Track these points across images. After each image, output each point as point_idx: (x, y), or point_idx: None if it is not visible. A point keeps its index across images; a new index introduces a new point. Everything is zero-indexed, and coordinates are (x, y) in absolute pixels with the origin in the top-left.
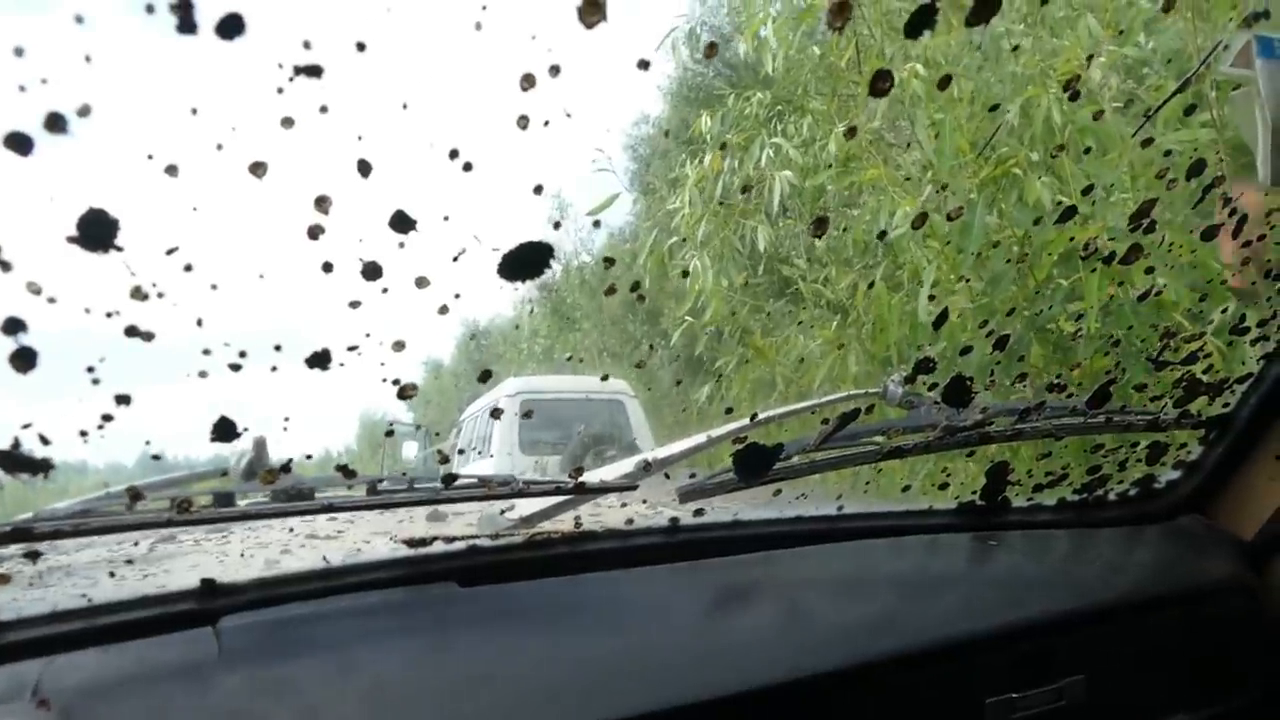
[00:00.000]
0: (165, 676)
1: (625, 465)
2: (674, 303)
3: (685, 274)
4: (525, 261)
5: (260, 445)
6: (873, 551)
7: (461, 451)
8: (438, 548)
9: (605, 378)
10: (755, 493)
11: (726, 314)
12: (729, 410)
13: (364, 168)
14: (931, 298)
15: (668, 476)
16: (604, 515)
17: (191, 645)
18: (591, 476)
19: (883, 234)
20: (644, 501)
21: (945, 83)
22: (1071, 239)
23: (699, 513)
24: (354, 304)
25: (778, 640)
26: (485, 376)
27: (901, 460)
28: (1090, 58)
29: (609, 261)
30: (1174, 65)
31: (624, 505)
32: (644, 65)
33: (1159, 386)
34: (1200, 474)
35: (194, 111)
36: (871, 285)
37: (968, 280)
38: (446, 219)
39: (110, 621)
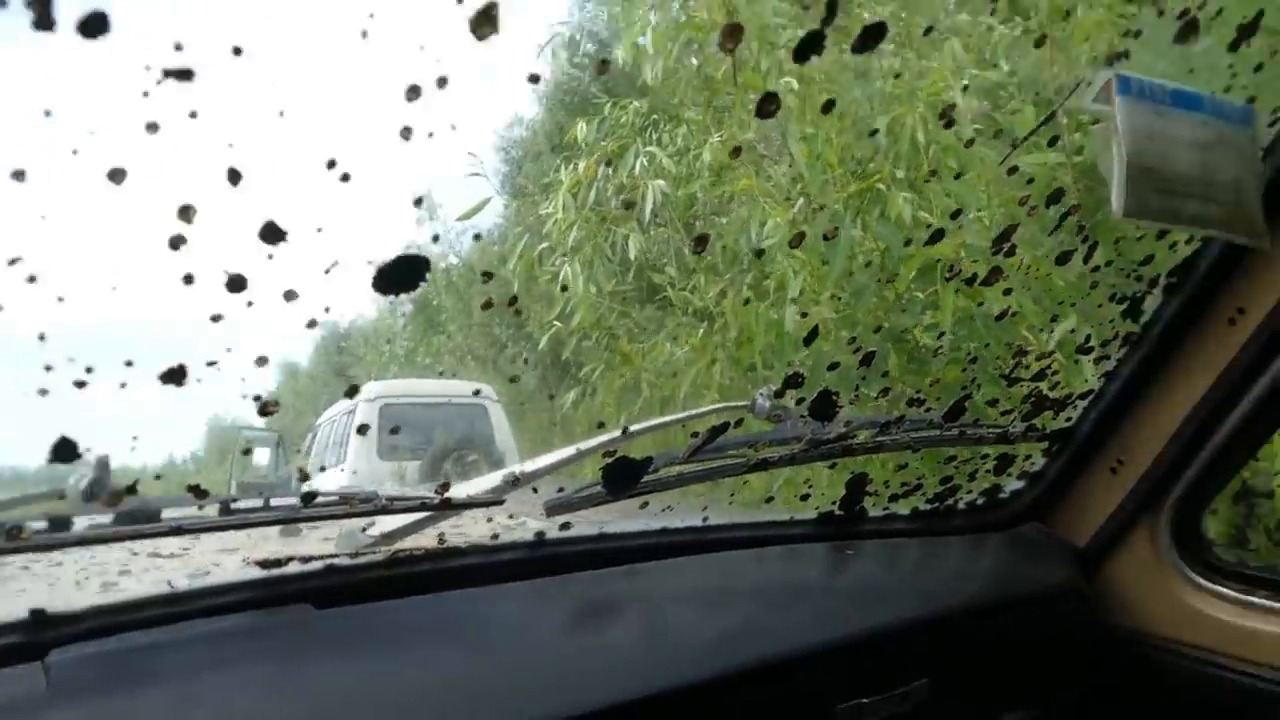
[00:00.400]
0: None
1: (492, 479)
2: (542, 307)
3: (555, 280)
4: (400, 275)
5: (103, 465)
6: (736, 562)
7: (322, 469)
8: (293, 568)
9: (477, 392)
10: (622, 505)
11: (594, 320)
12: (600, 424)
13: (234, 176)
14: (804, 314)
15: (535, 490)
16: (468, 530)
17: (17, 683)
18: (458, 491)
19: (760, 252)
20: (510, 516)
21: (829, 107)
22: (936, 259)
23: (565, 526)
24: (215, 318)
25: (640, 654)
26: (352, 391)
27: (766, 472)
28: (965, 87)
29: (487, 276)
30: (1030, 91)
31: (489, 520)
32: (534, 79)
33: (1010, 401)
34: (1041, 484)
35: (47, 114)
36: (745, 298)
37: (835, 296)
38: (320, 230)
39: None
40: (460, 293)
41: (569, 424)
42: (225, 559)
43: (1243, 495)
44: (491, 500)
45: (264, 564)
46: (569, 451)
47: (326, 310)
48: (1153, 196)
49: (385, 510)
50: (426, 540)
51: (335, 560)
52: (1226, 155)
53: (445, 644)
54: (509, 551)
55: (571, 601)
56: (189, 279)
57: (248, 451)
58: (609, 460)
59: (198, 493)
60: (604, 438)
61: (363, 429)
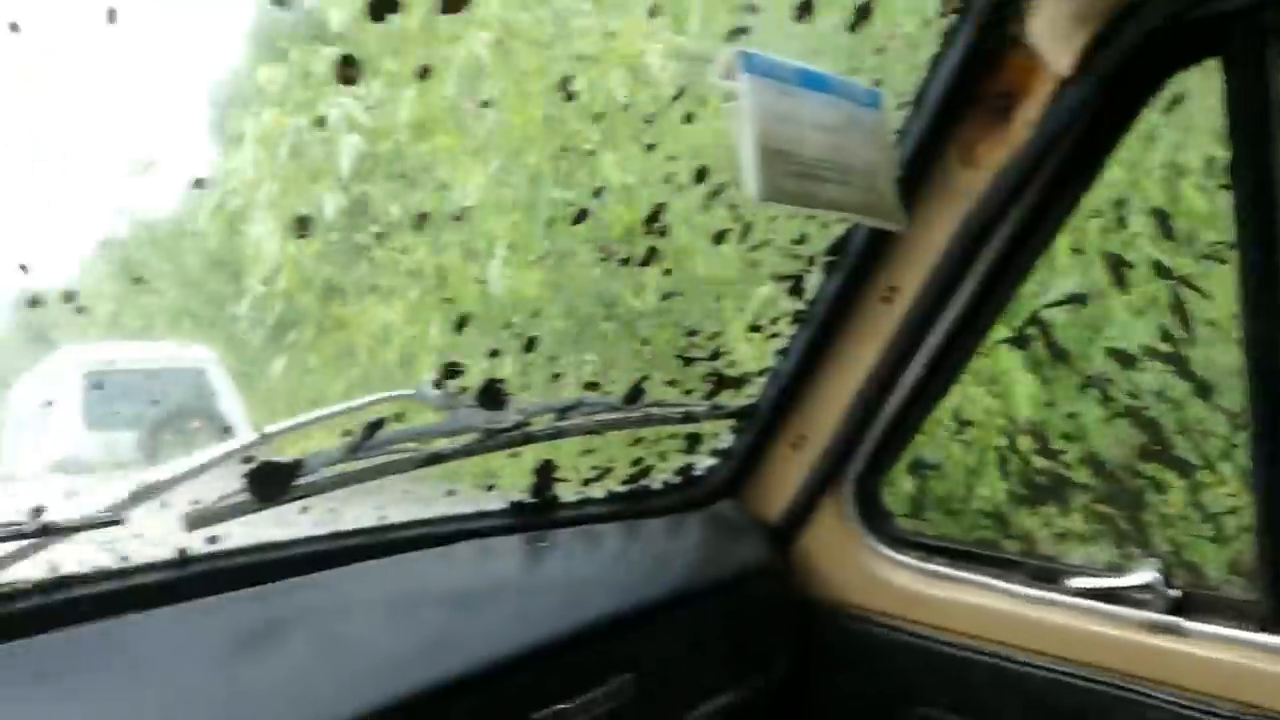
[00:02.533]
0: None
1: (110, 495)
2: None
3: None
4: None
5: None
6: (420, 564)
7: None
8: None
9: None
10: (282, 512)
11: (301, 281)
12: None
13: None
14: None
15: (163, 506)
16: (90, 555)
17: None
18: (65, 511)
19: (458, 216)
20: (138, 535)
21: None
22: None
23: (212, 540)
24: None
25: (314, 680)
26: None
27: (442, 466)
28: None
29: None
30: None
31: (112, 543)
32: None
33: (692, 381)
34: (731, 461)
35: None
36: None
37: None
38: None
39: None
40: (168, 250)
41: (285, 392)
42: None
43: (915, 468)
44: (108, 520)
45: None
46: (197, 461)
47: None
48: (788, 180)
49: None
50: (31, 569)
51: None
52: (857, 138)
53: (60, 698)
54: (146, 574)
55: (227, 626)
56: None
57: None
58: (250, 466)
59: None
60: (235, 444)
61: (54, 387)
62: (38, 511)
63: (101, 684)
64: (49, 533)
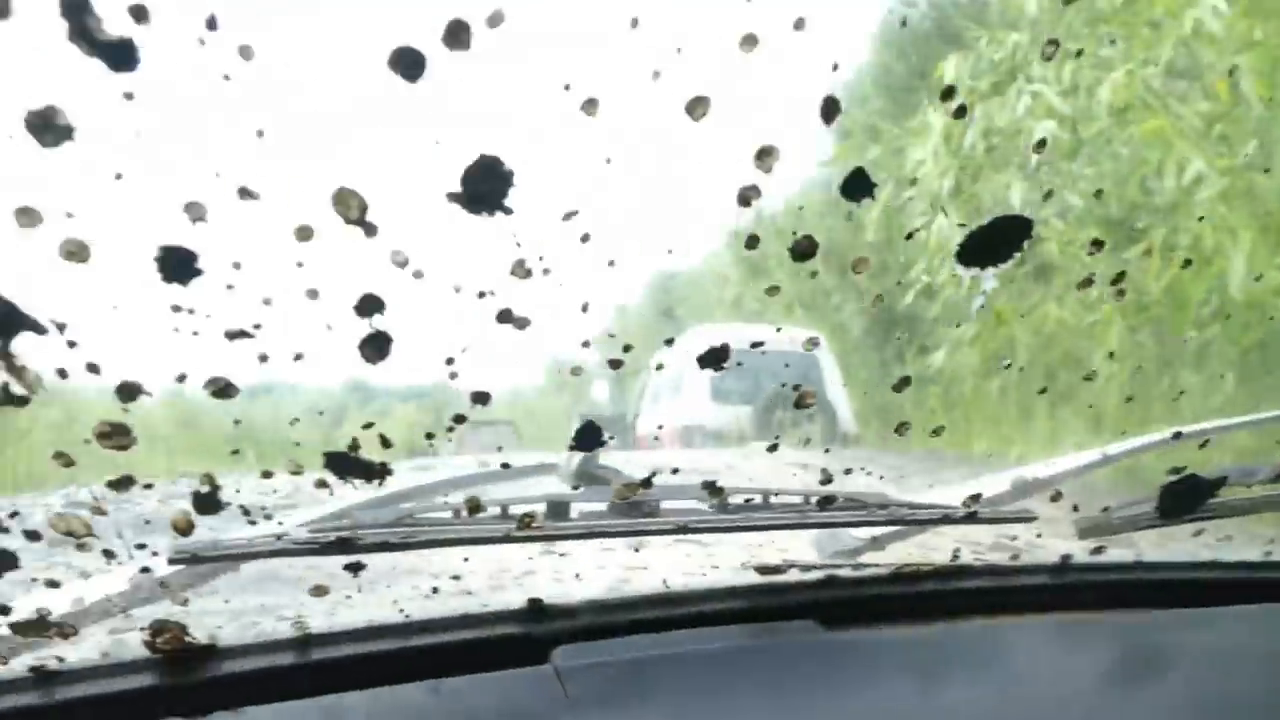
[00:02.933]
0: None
1: (999, 482)
2: (894, 258)
3: (913, 233)
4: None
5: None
6: None
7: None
8: (792, 575)
9: (814, 342)
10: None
11: (966, 277)
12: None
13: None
14: (1259, 278)
15: (1055, 498)
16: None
17: (523, 684)
18: (985, 500)
19: (1174, 205)
20: (1038, 535)
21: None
22: None
23: (1098, 551)
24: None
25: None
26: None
27: None
28: None
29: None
30: None
31: (1013, 538)
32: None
33: None
34: None
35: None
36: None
37: None
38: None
39: (428, 642)
40: (788, 239)
41: (921, 389)
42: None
43: None
44: (1023, 517)
45: (762, 569)
46: (1093, 455)
47: (669, 252)
48: None
49: (905, 520)
50: (934, 554)
51: (837, 571)
52: None
53: (960, 679)
54: (1027, 576)
55: (1105, 644)
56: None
57: (576, 372)
58: (1174, 478)
59: (711, 490)
60: (1138, 441)
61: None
62: (974, 498)
63: (980, 678)
64: (974, 520)
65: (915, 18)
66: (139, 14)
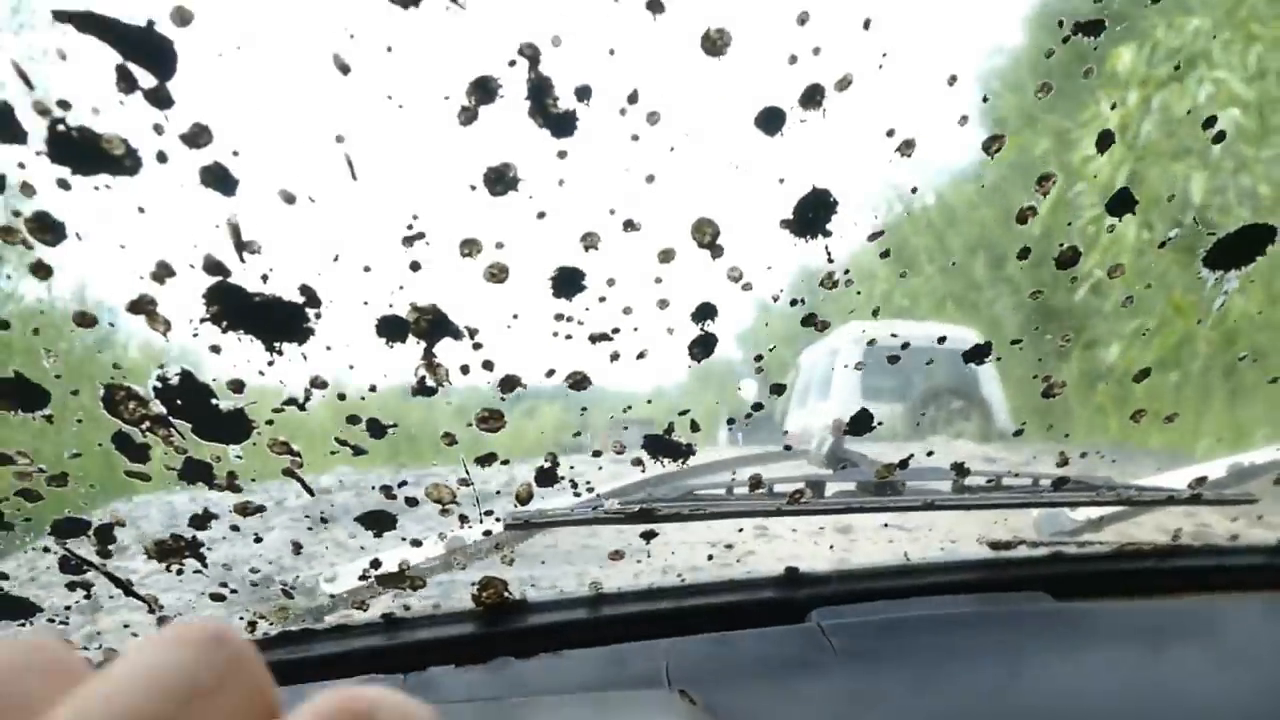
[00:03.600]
0: (776, 668)
1: (1215, 468)
2: (1041, 250)
3: (1095, 224)
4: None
5: (839, 428)
6: None
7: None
8: (1021, 551)
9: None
10: None
11: (1140, 270)
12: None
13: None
14: None
15: (1277, 482)
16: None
17: (794, 640)
18: (1203, 475)
19: None
20: (1260, 517)
21: None
22: None
23: None
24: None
25: None
26: (817, 324)
27: None
28: None
29: (1022, 218)
30: None
31: (1234, 520)
32: None
33: None
34: None
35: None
36: None
37: None
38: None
39: (701, 603)
40: (939, 233)
41: (1088, 380)
42: (956, 534)
43: None
44: (1244, 499)
45: (994, 545)
46: None
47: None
48: None
49: (1131, 500)
50: (1151, 535)
51: (1063, 548)
52: None
53: (1180, 652)
54: (1245, 555)
55: None
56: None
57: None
58: None
59: (960, 470)
60: None
61: (860, 366)
62: (1200, 481)
63: (1202, 652)
64: (1199, 501)
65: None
66: (582, 93)
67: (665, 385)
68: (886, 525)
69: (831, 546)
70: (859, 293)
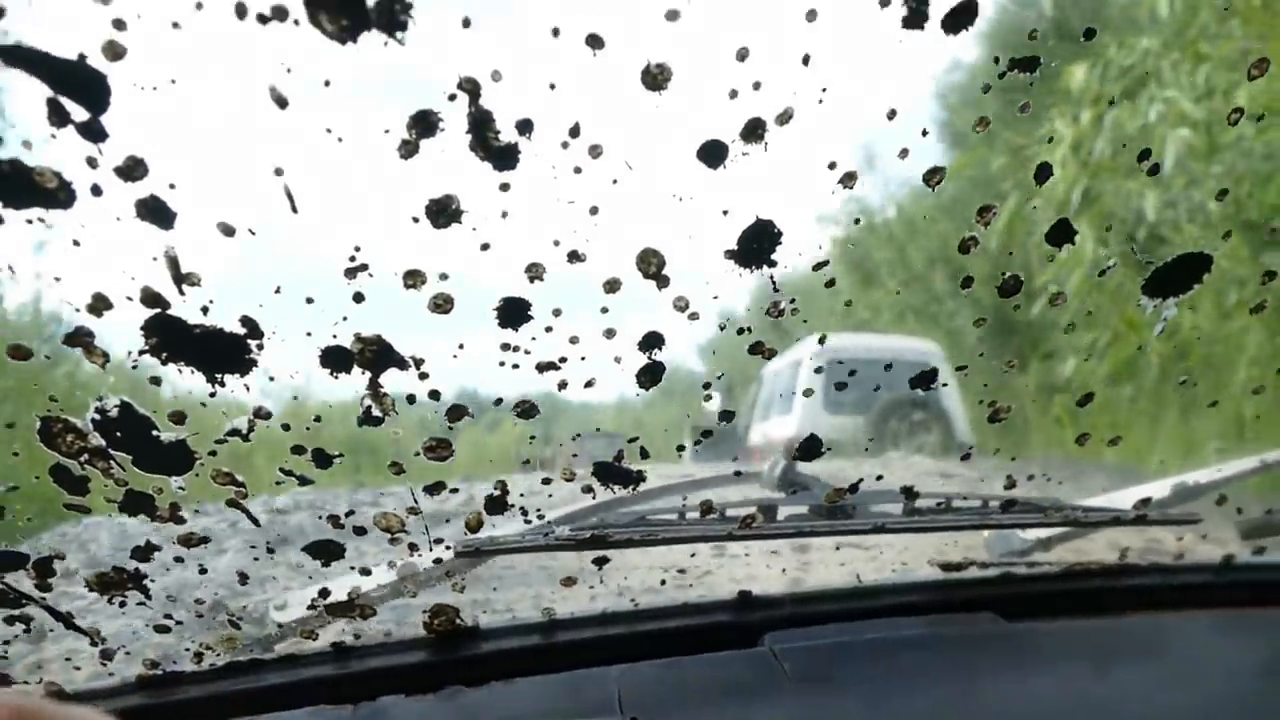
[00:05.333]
0: (728, 693)
1: (1160, 487)
2: (998, 265)
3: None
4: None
5: (790, 452)
6: None
7: (767, 418)
8: (972, 573)
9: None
10: None
11: (1090, 286)
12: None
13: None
14: None
15: (1218, 502)
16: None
17: (746, 664)
18: (1146, 496)
19: None
20: (1204, 537)
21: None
22: None
23: (1259, 551)
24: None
25: None
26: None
27: None
28: None
29: (971, 243)
30: None
31: (1180, 539)
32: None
33: None
34: None
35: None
36: None
37: None
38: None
39: (654, 627)
40: (900, 246)
41: (1045, 392)
42: (909, 554)
43: None
44: (1187, 519)
45: (945, 566)
46: (1250, 462)
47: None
48: None
49: (1078, 522)
50: (1101, 553)
51: (1012, 568)
52: None
53: (1128, 671)
54: (1191, 574)
55: (1264, 638)
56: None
57: (708, 396)
58: None
59: (909, 494)
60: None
61: (807, 392)
62: (1145, 502)
63: (1150, 669)
64: (1143, 522)
65: (1031, 19)
66: (524, 127)
67: (629, 398)
68: (839, 548)
69: (784, 570)
70: (805, 321)
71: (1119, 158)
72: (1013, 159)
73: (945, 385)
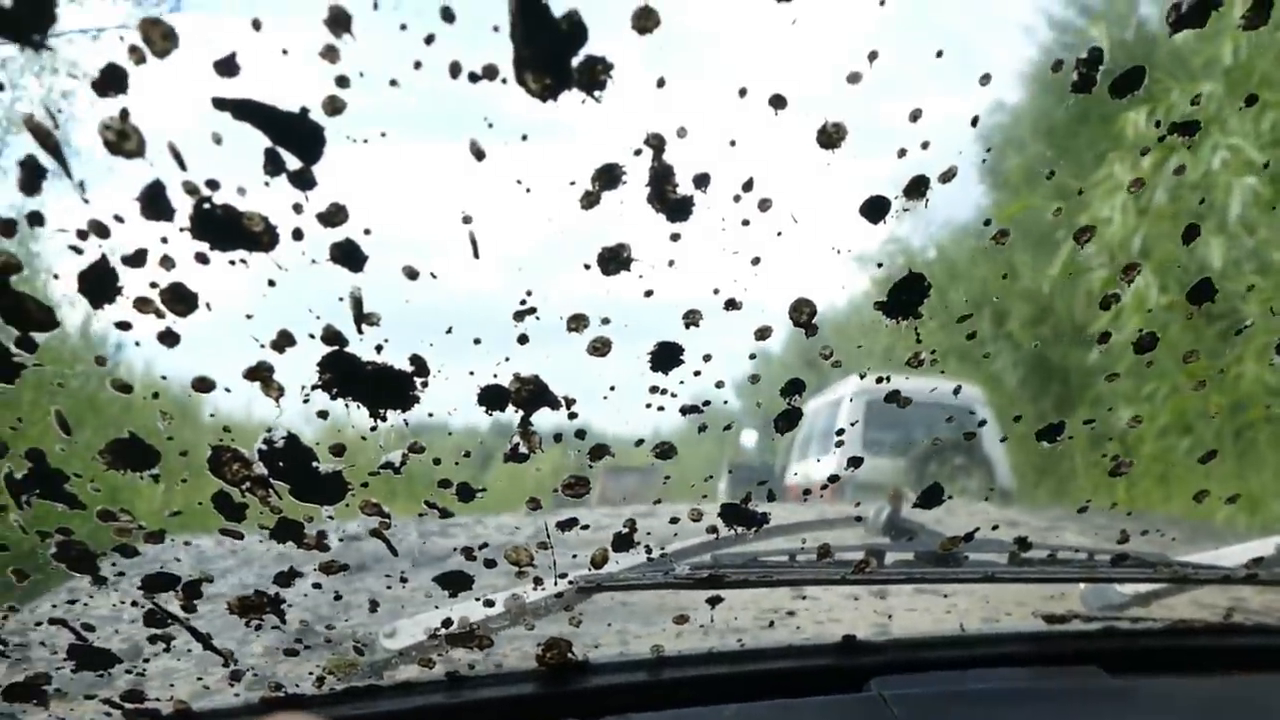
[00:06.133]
0: None
1: (1265, 545)
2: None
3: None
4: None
5: (898, 499)
6: None
7: (805, 458)
8: (1074, 625)
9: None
10: None
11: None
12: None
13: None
14: None
15: None
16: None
17: (854, 708)
18: (1258, 555)
19: None
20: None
21: None
22: None
23: None
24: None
25: None
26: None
27: None
28: None
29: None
30: None
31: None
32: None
33: None
34: None
35: None
36: None
37: None
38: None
39: (760, 668)
40: (941, 289)
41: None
42: (1013, 606)
43: None
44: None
45: (1049, 618)
46: None
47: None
48: None
49: (1189, 580)
50: (1205, 612)
51: (1116, 623)
52: None
53: None
54: (1266, 636)
55: None
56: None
57: (728, 428)
58: None
59: (1021, 545)
60: None
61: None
62: (1257, 561)
63: None
64: (1254, 581)
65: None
66: (700, 181)
67: (663, 431)
68: (946, 595)
69: (890, 616)
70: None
71: (1178, 203)
72: (1063, 201)
73: (984, 426)
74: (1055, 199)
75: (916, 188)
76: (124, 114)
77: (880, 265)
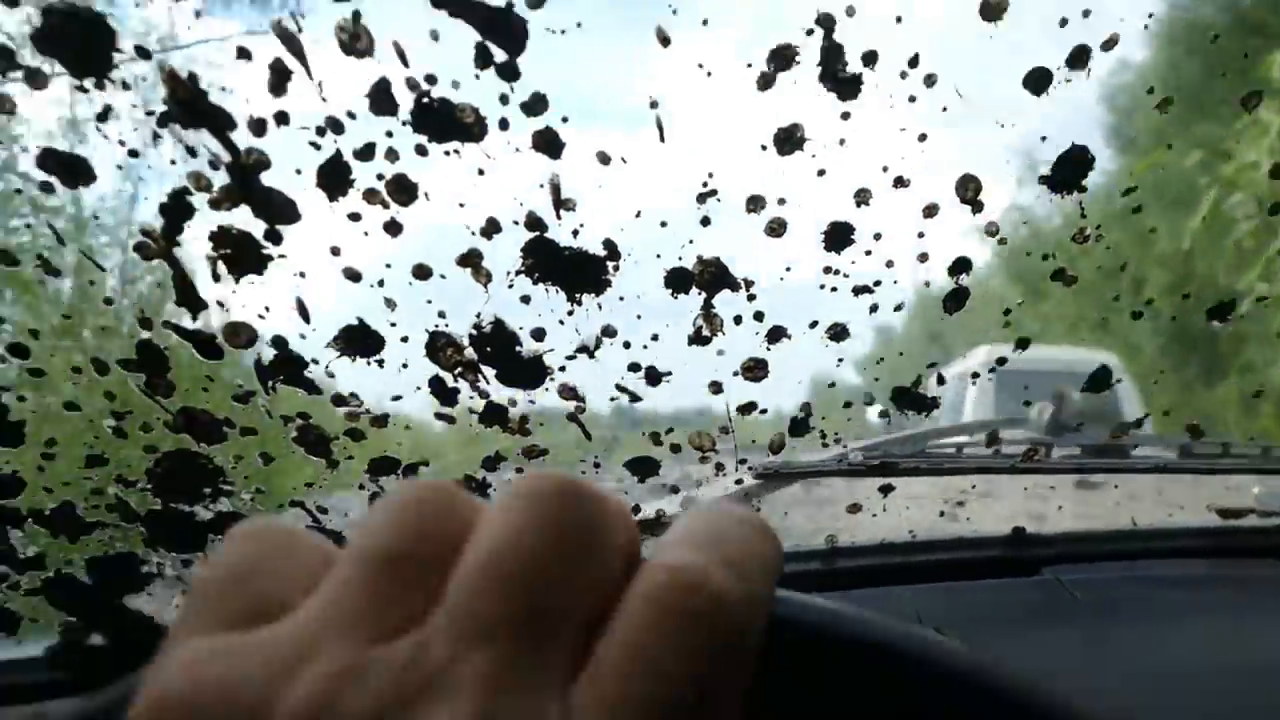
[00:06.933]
0: (1019, 616)
1: None
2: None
3: (1251, 239)
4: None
5: (1061, 398)
6: None
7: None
8: (1251, 521)
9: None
10: None
11: None
12: None
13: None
14: None
15: None
16: None
17: (1031, 590)
18: None
19: None
20: None
21: None
22: None
23: None
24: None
25: None
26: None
27: None
28: None
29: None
30: None
31: None
32: None
33: None
34: None
35: None
36: None
37: None
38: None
39: (932, 559)
40: (1070, 256)
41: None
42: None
43: None
44: None
45: (1224, 513)
46: None
47: (927, 285)
48: None
49: None
50: None
51: None
52: None
53: None
54: None
55: None
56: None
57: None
58: None
59: (1193, 432)
60: None
61: (974, 377)
62: None
63: None
64: None
65: (1209, 12)
66: (869, 59)
67: (785, 409)
68: (1117, 486)
69: (1060, 507)
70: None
71: None
72: (1208, 153)
73: (1128, 392)
74: (1205, 150)
75: (1079, 58)
76: (356, 15)
77: (995, 233)
